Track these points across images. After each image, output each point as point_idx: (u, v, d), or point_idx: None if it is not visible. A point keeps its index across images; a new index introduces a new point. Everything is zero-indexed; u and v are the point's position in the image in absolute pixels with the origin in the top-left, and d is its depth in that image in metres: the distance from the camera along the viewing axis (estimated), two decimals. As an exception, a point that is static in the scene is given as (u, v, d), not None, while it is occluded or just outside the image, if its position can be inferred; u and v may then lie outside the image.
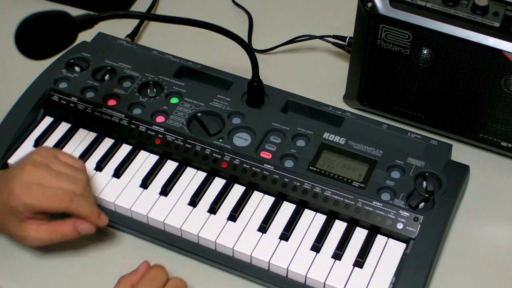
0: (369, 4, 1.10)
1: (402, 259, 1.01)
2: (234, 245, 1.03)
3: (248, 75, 1.16)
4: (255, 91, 1.16)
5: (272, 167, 1.08)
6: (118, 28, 1.32)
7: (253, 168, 1.08)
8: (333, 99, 1.23)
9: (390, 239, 1.03)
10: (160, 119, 1.14)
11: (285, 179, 1.07)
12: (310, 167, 1.08)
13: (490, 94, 1.10)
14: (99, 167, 1.11)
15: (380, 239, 1.03)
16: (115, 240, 1.07)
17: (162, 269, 0.97)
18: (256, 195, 1.08)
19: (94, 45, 1.25)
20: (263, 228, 1.04)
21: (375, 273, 1.00)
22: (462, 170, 1.10)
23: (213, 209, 1.06)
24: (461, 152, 1.17)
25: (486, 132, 1.15)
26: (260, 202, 1.07)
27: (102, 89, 1.18)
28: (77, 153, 1.12)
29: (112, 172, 1.10)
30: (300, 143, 1.12)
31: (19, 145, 1.14)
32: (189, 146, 1.11)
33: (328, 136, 1.12)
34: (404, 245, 1.03)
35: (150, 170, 1.10)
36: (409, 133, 1.13)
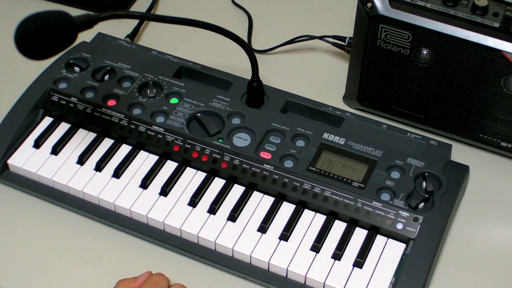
0: (369, 5, 1.10)
1: (401, 259, 1.01)
2: (234, 245, 1.03)
3: (247, 75, 1.16)
4: (255, 91, 1.16)
5: (272, 167, 1.08)
6: (118, 28, 1.32)
7: (252, 168, 1.08)
8: (333, 99, 1.23)
9: (389, 239, 1.03)
10: (159, 119, 1.14)
11: (285, 179, 1.07)
12: (310, 167, 1.08)
13: (490, 95, 1.10)
14: (99, 167, 1.11)
15: (379, 239, 1.03)
16: (115, 241, 1.07)
17: (163, 276, 0.97)
18: (256, 195, 1.08)
19: (94, 45, 1.25)
20: (263, 228, 1.04)
21: (374, 273, 1.00)
22: (462, 170, 1.10)
23: (212, 209, 1.06)
24: (461, 152, 1.17)
25: (486, 132, 1.15)
26: (260, 202, 1.07)
27: (102, 89, 1.18)
28: (77, 153, 1.12)
29: (111, 172, 1.10)
30: (300, 143, 1.12)
31: (19, 145, 1.14)
32: (189, 146, 1.11)
33: (328, 136, 1.12)
34: (403, 245, 1.03)
35: (149, 170, 1.10)
36: (409, 133, 1.13)
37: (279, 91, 1.19)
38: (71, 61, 1.21)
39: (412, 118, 1.20)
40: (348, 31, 1.22)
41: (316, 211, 1.06)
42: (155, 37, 1.37)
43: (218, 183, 1.09)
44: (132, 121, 1.14)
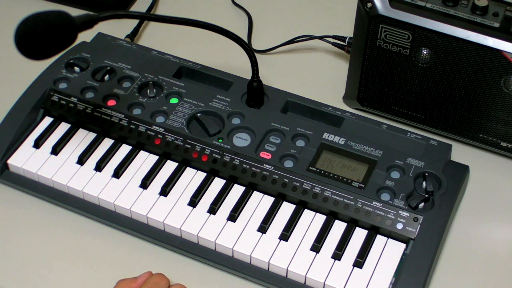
0: (369, 5, 1.10)
1: (401, 259, 1.01)
2: (234, 245, 1.03)
3: (248, 75, 1.16)
4: (255, 91, 1.16)
5: (272, 167, 1.08)
6: (118, 28, 1.32)
7: (252, 168, 1.08)
8: (333, 99, 1.23)
9: (389, 239, 1.03)
10: (159, 119, 1.14)
11: (285, 179, 1.07)
12: (310, 167, 1.08)
13: (490, 95, 1.10)
14: (99, 167, 1.11)
15: (379, 239, 1.03)
16: (115, 241, 1.07)
17: (163, 276, 0.97)
18: (256, 195, 1.08)
19: (94, 45, 1.25)
20: (263, 228, 1.04)
21: (374, 274, 1.00)
22: (462, 170, 1.10)
23: (212, 209, 1.06)
24: (461, 152, 1.17)
25: (486, 132, 1.15)
26: (260, 202, 1.07)
27: (102, 89, 1.18)
28: (77, 153, 1.12)
29: (111, 172, 1.10)
30: (300, 143, 1.12)
31: (19, 145, 1.14)
32: (189, 146, 1.11)
33: (328, 136, 1.12)
34: (403, 245, 1.03)
35: (149, 170, 1.10)
36: (409, 133, 1.13)
37: (279, 91, 1.19)
38: (71, 61, 1.21)
39: (412, 118, 1.20)
40: (348, 31, 1.22)
41: (316, 211, 1.06)
42: (155, 37, 1.37)
43: (218, 183, 1.09)
44: (132, 121, 1.14)
